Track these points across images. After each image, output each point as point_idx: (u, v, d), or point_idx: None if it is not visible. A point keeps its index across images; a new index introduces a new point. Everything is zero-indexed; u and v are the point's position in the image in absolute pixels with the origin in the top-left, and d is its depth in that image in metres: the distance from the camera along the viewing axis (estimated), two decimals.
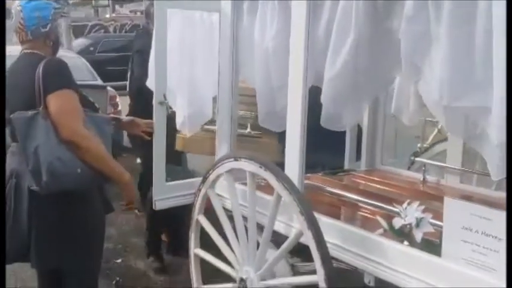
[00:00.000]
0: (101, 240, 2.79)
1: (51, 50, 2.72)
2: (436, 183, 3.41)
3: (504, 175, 1.92)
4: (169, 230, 4.53)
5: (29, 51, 2.66)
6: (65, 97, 2.51)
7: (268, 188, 2.55)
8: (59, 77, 2.55)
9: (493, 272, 1.93)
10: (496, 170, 1.94)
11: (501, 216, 1.92)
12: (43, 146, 2.45)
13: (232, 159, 2.63)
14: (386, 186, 3.34)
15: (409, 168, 3.86)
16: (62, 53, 7.26)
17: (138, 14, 23.88)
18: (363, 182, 3.50)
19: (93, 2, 23.89)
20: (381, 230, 2.41)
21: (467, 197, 2.81)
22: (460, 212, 2.03)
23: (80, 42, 15.86)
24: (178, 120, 3.50)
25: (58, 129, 2.46)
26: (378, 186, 3.37)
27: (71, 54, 8.28)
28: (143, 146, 3.60)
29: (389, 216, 2.49)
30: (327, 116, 2.75)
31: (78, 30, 18.28)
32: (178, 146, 4.01)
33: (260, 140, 3.79)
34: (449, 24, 2.00)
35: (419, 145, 5.08)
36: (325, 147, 3.51)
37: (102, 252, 2.85)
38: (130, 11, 27.29)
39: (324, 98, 2.68)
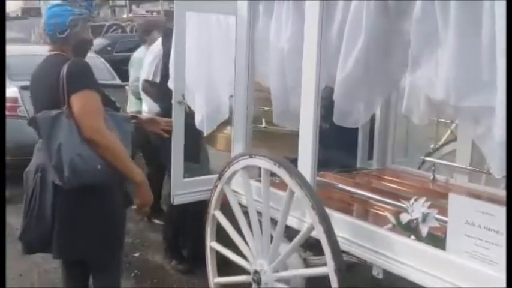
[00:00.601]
0: (121, 232, 2.88)
1: (73, 53, 2.80)
2: (444, 182, 3.49)
3: (505, 173, 2.02)
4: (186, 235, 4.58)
5: (53, 52, 2.78)
6: (87, 97, 2.62)
7: (282, 185, 2.65)
8: (82, 78, 2.66)
9: (495, 265, 2.02)
10: (498, 167, 2.03)
11: (503, 212, 2.02)
12: (65, 143, 2.57)
13: (248, 156, 2.75)
14: (396, 184, 3.43)
15: (419, 168, 3.93)
16: None
17: (155, 13, 24.07)
18: (374, 180, 3.59)
19: (110, 2, 24.07)
20: (389, 225, 2.51)
21: (475, 195, 2.90)
22: (464, 207, 2.13)
23: (98, 42, 15.93)
24: (197, 118, 3.57)
25: (80, 128, 2.58)
26: (388, 184, 3.46)
27: (90, 54, 8.40)
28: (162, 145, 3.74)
29: (398, 212, 2.59)
30: (339, 113, 2.87)
31: (95, 30, 18.45)
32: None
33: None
34: (456, 26, 2.09)
35: (432, 146, 5.14)
36: (339, 147, 3.63)
37: (123, 245, 2.95)
38: (147, 11, 27.51)
39: (336, 96, 2.78)
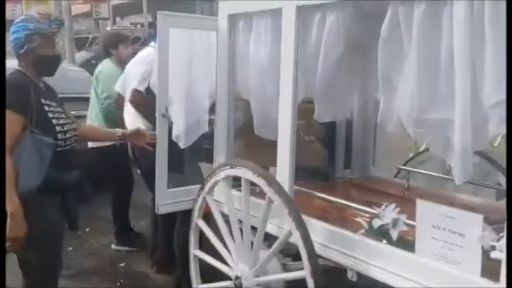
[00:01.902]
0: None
1: (34, 69, 2.89)
2: (418, 189, 3.63)
3: (466, 179, 2.18)
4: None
5: (17, 67, 2.90)
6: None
7: (262, 195, 2.76)
8: (7, 96, 2.73)
9: (459, 265, 2.17)
10: (459, 175, 2.18)
11: (465, 215, 2.18)
12: None
13: (229, 166, 2.88)
14: (371, 192, 3.57)
15: (395, 176, 4.08)
16: (66, 67, 7.47)
17: (139, 26, 24.10)
18: (351, 188, 3.73)
19: (93, 14, 24.07)
20: (362, 230, 2.64)
21: (446, 201, 3.04)
22: (430, 212, 2.28)
23: (82, 55, 15.99)
24: (174, 132, 3.63)
25: None
26: (364, 192, 3.60)
27: (74, 68, 8.48)
28: (144, 158, 3.83)
29: (371, 218, 2.73)
30: (319, 111, 3.06)
31: (79, 43, 18.47)
32: None
33: (312, 145, 3.97)
34: (418, 44, 2.25)
35: (411, 155, 5.28)
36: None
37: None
38: (131, 23, 27.52)
39: (315, 95, 2.98)
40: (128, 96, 4.36)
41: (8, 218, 2.67)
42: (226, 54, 3.37)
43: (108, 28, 23.85)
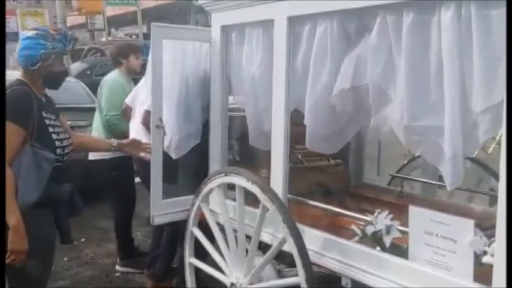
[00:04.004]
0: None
1: (42, 84, 2.88)
2: (411, 196, 3.67)
3: (457, 185, 2.20)
4: None
5: (20, 77, 2.86)
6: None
7: (256, 203, 2.76)
8: (9, 108, 2.69)
9: (451, 270, 2.20)
10: (450, 181, 2.21)
11: (457, 221, 2.20)
12: None
13: (223, 174, 2.90)
14: (365, 199, 3.61)
15: (389, 184, 4.10)
16: None
17: (134, 37, 24.18)
18: (345, 196, 3.76)
19: (89, 25, 24.14)
20: (356, 238, 2.66)
21: (439, 207, 3.06)
22: (423, 218, 2.31)
23: (77, 66, 15.99)
24: (166, 143, 3.60)
25: None
26: (358, 199, 3.63)
27: (70, 79, 8.49)
28: (144, 165, 3.83)
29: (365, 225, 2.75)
30: (311, 139, 2.96)
31: (74, 54, 18.50)
32: None
33: (337, 168, 4.04)
34: (407, 53, 2.28)
35: (405, 162, 5.31)
36: None
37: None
38: (126, 34, 27.61)
39: (307, 121, 2.90)
40: (138, 115, 4.33)
41: (10, 232, 2.63)
42: (220, 64, 3.40)
43: (103, 39, 23.94)
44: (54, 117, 2.95)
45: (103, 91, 4.91)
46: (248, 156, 3.68)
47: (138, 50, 5.23)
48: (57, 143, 2.88)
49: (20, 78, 2.86)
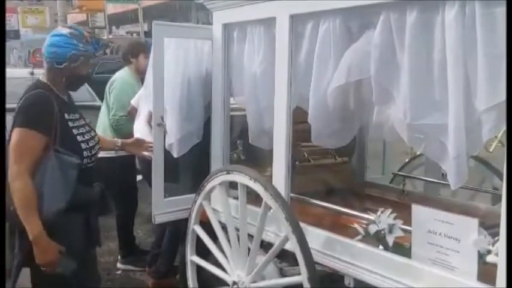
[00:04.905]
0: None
1: (65, 85, 2.79)
2: (414, 194, 3.66)
3: (461, 184, 2.19)
4: None
5: (40, 77, 2.78)
6: (22, 135, 2.57)
7: (258, 202, 2.75)
8: (28, 114, 2.60)
9: (455, 270, 2.18)
10: (454, 180, 2.19)
11: (461, 220, 2.19)
12: None
13: (225, 172, 2.89)
14: (367, 198, 3.60)
15: (391, 182, 4.09)
16: None
17: (135, 35, 24.15)
18: (347, 194, 3.74)
19: (89, 23, 24.13)
20: (359, 237, 2.65)
21: (442, 206, 3.05)
22: (426, 217, 2.30)
23: None
24: (168, 141, 3.58)
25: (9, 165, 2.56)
26: (360, 198, 3.62)
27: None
28: (146, 162, 3.82)
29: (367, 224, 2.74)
30: (316, 135, 2.96)
31: None
32: None
33: (343, 166, 4.01)
34: (411, 51, 2.27)
35: (407, 160, 5.30)
36: None
37: None
38: (127, 32, 27.57)
39: (311, 119, 2.89)
40: (142, 115, 4.33)
41: (34, 246, 2.56)
42: (221, 63, 3.39)
43: (104, 37, 23.93)
44: (77, 117, 2.85)
45: (112, 89, 4.86)
46: (253, 155, 3.67)
47: (148, 50, 5.17)
48: (83, 145, 2.78)
49: (41, 79, 2.77)
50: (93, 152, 2.86)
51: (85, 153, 2.78)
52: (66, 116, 2.76)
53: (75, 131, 2.78)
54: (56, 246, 2.61)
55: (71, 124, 2.77)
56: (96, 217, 2.90)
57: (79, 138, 2.78)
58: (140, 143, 3.48)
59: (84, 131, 2.85)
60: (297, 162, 3.67)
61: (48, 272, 2.62)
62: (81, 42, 2.71)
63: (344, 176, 3.95)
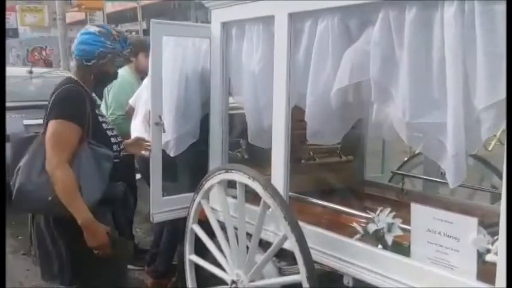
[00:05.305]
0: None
1: (93, 82, 2.85)
2: (413, 193, 3.66)
3: (459, 183, 2.18)
4: None
5: (68, 75, 2.83)
6: (60, 127, 2.63)
7: (257, 201, 2.75)
8: (64, 106, 2.67)
9: (454, 269, 2.18)
10: (453, 179, 2.19)
11: (460, 219, 2.18)
12: (24, 167, 2.64)
13: (224, 170, 2.88)
14: (366, 197, 3.59)
15: (389, 181, 4.08)
16: (60, 74, 7.48)
17: (134, 33, 24.09)
18: (346, 193, 3.73)
19: (88, 22, 24.09)
20: (358, 236, 2.64)
21: (441, 204, 3.05)
22: (425, 216, 2.29)
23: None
24: (164, 140, 3.57)
25: (46, 156, 2.61)
26: (359, 197, 3.61)
27: (69, 75, 8.46)
28: (144, 161, 3.81)
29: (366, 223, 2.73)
30: (311, 132, 2.97)
31: None
32: None
33: (348, 165, 4.00)
34: (410, 49, 2.26)
35: (405, 159, 5.30)
36: None
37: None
38: (126, 31, 27.52)
39: (307, 117, 2.90)
40: (140, 115, 4.32)
41: (84, 231, 2.60)
42: (220, 61, 3.38)
43: None
44: (103, 113, 2.93)
45: (111, 88, 4.76)
46: (256, 154, 3.65)
47: (148, 48, 5.11)
48: (112, 140, 2.87)
49: (71, 76, 2.84)
50: (121, 147, 2.95)
51: (114, 147, 2.87)
52: (96, 111, 2.85)
53: (104, 126, 2.87)
54: (105, 228, 2.67)
55: (100, 119, 2.87)
56: (123, 214, 2.96)
57: (109, 132, 2.88)
58: (140, 142, 3.48)
59: (110, 127, 2.94)
60: (302, 161, 3.67)
61: (101, 254, 2.66)
62: (109, 40, 2.80)
63: (346, 175, 3.93)
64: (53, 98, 2.70)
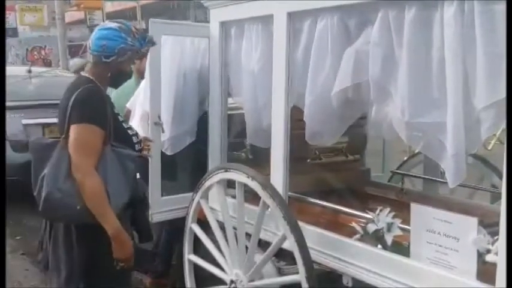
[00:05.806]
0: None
1: (109, 80, 2.75)
2: (413, 193, 3.65)
3: (459, 182, 2.18)
4: None
5: (84, 74, 2.69)
6: (84, 132, 2.51)
7: (256, 201, 2.75)
8: (86, 109, 2.54)
9: (454, 269, 2.17)
10: (452, 178, 2.18)
11: (460, 219, 2.18)
12: (49, 174, 2.50)
13: (223, 170, 2.87)
14: (366, 196, 3.58)
15: (389, 180, 4.08)
16: (59, 73, 7.44)
17: None
18: (346, 193, 3.72)
19: (87, 21, 24.06)
20: (357, 236, 2.64)
21: (442, 204, 3.04)
22: (425, 216, 2.28)
23: (76, 61, 15.90)
24: (162, 138, 3.54)
25: (71, 161, 2.49)
26: (359, 196, 3.59)
27: (68, 74, 8.47)
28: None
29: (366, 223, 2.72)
30: (310, 133, 2.96)
31: (73, 50, 18.43)
32: None
33: (354, 164, 4.00)
34: (409, 49, 2.25)
35: (405, 158, 5.29)
36: None
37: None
38: None
39: (306, 117, 2.88)
40: (137, 116, 4.13)
41: (113, 242, 2.52)
42: (219, 61, 3.37)
43: None
44: (119, 113, 2.84)
45: (111, 90, 4.68)
46: (261, 154, 3.64)
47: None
48: (134, 139, 2.80)
49: (87, 75, 2.67)
50: (141, 146, 2.90)
51: (136, 146, 2.82)
52: (115, 111, 2.76)
53: (124, 125, 2.81)
54: (131, 241, 2.61)
55: (120, 119, 2.79)
56: (143, 213, 2.91)
57: (129, 131, 2.81)
58: (146, 142, 3.44)
59: (129, 126, 2.88)
60: (308, 160, 3.66)
61: (126, 267, 2.60)
62: (129, 36, 2.65)
63: (351, 174, 3.91)
64: (72, 99, 2.54)
